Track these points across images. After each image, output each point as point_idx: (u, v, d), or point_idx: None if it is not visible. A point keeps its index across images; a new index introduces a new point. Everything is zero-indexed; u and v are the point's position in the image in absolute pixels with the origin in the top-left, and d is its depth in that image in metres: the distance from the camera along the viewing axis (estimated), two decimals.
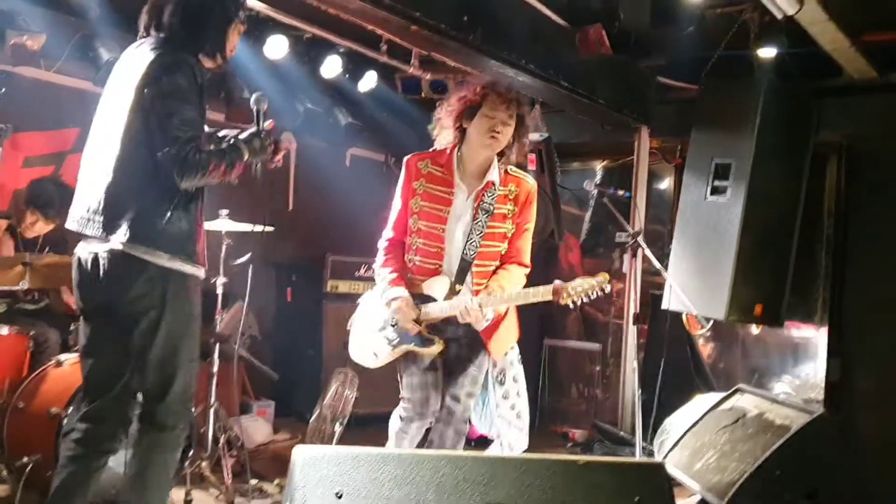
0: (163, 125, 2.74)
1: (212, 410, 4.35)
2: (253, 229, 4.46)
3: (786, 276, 5.18)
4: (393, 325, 3.43)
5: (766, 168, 4.91)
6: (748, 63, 4.92)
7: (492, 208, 3.38)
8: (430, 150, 3.55)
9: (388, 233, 3.56)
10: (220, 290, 4.64)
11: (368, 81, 5.98)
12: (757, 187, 4.87)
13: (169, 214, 2.81)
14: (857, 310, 5.48)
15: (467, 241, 3.37)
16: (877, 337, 5.38)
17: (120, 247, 2.78)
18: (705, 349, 6.41)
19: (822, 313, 5.65)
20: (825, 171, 5.64)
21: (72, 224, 2.95)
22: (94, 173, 2.89)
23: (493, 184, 3.40)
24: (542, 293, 3.21)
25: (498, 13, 4.53)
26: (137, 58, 2.90)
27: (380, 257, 3.54)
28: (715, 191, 4.99)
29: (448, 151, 3.47)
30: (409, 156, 3.54)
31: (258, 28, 5.20)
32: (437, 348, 3.37)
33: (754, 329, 6.24)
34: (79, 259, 2.94)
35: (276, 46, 5.34)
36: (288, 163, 6.65)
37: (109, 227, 2.80)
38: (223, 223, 4.65)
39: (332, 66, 5.70)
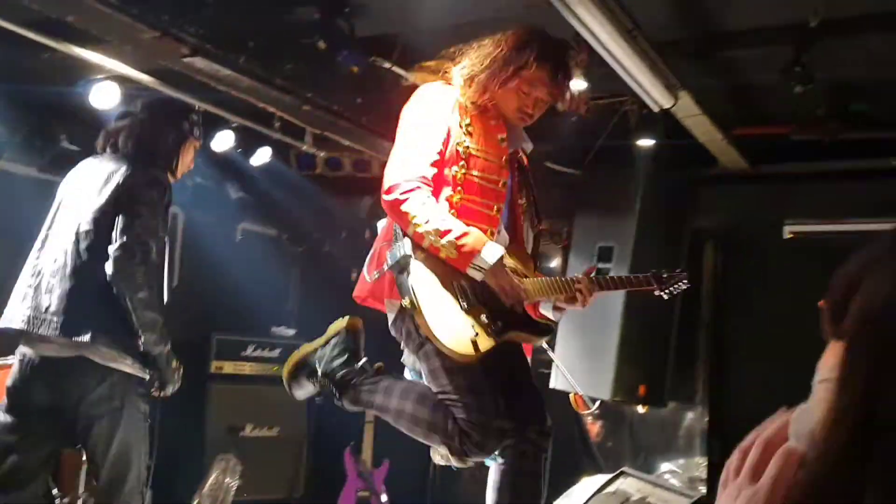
0: (126, 226, 2.93)
1: (80, 502, 4.09)
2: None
3: (667, 357, 5.35)
4: (491, 304, 2.64)
5: (647, 252, 5.09)
6: (629, 152, 5.14)
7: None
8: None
9: (423, 167, 2.58)
10: None
11: (262, 156, 5.95)
12: (638, 270, 5.02)
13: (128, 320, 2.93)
14: (736, 391, 5.68)
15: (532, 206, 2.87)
16: (756, 418, 5.54)
17: (82, 350, 2.88)
18: (594, 428, 6.49)
19: (702, 394, 5.83)
20: (703, 255, 5.90)
21: (16, 323, 2.97)
22: (49, 275, 2.98)
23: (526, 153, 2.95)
24: (643, 281, 2.91)
25: (391, 96, 4.61)
26: (103, 169, 3.12)
27: (423, 197, 2.55)
28: (599, 273, 5.12)
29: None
30: (437, 83, 2.81)
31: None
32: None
33: (640, 408, 6.37)
34: (23, 357, 3.00)
35: None
36: (174, 238, 6.48)
37: (69, 330, 2.86)
38: None
39: (224, 141, 5.64)
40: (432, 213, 2.53)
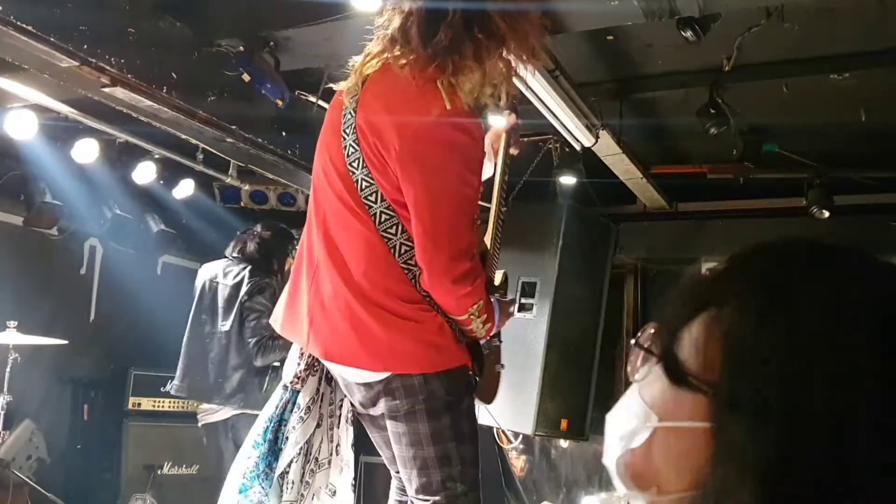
0: (250, 327, 4.55)
1: None
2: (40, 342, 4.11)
3: (589, 391, 5.42)
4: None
5: (569, 287, 5.18)
6: (552, 188, 5.24)
7: None
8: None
9: (472, 249, 2.26)
10: (1, 410, 4.23)
11: (185, 189, 5.86)
12: (561, 305, 5.11)
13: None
14: None
15: None
16: None
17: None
18: (518, 462, 6.50)
19: None
20: (623, 290, 6.03)
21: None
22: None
23: None
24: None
25: (315, 130, 4.59)
26: (231, 276, 4.80)
27: (478, 291, 2.25)
28: (522, 308, 5.18)
29: None
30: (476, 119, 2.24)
31: (66, 131, 5.02)
32: None
33: (563, 443, 6.42)
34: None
35: (86, 150, 5.15)
36: (92, 270, 6.31)
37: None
38: (10, 335, 4.30)
39: (145, 172, 5.54)
40: (485, 303, 2.28)
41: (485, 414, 5.06)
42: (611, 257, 5.63)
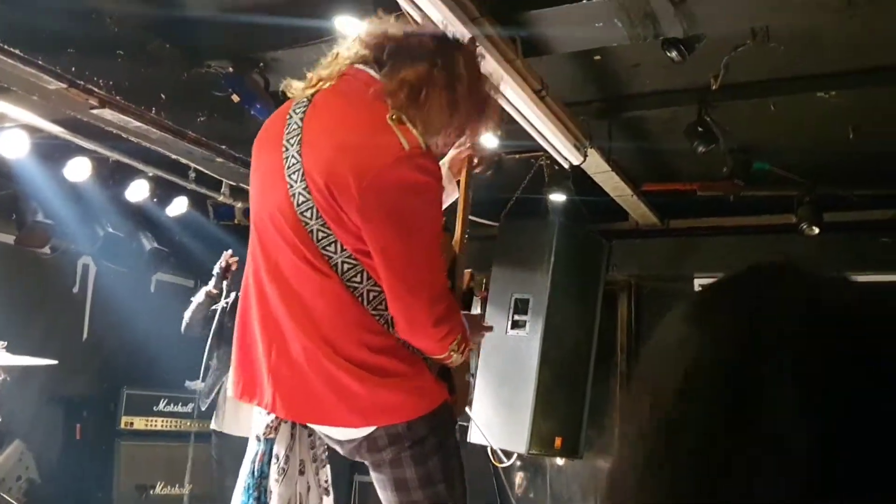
0: None
1: None
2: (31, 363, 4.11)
3: (582, 409, 5.40)
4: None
5: (561, 304, 5.17)
6: (544, 205, 5.25)
7: None
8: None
9: (446, 289, 2.18)
10: None
11: (178, 207, 5.87)
12: (553, 322, 5.11)
13: None
14: None
15: None
16: None
17: None
18: (516, 479, 6.48)
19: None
20: (617, 307, 6.03)
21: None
22: None
23: None
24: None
25: None
26: None
27: (456, 328, 2.15)
28: (515, 325, 5.18)
29: None
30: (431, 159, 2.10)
31: (58, 150, 5.03)
32: None
33: (559, 460, 6.40)
34: None
35: (78, 169, 5.16)
36: (85, 289, 6.31)
37: None
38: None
39: (138, 191, 5.55)
40: (463, 335, 2.17)
41: (477, 433, 5.07)
42: (604, 274, 5.63)
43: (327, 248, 2.05)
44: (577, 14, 3.23)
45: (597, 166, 4.55)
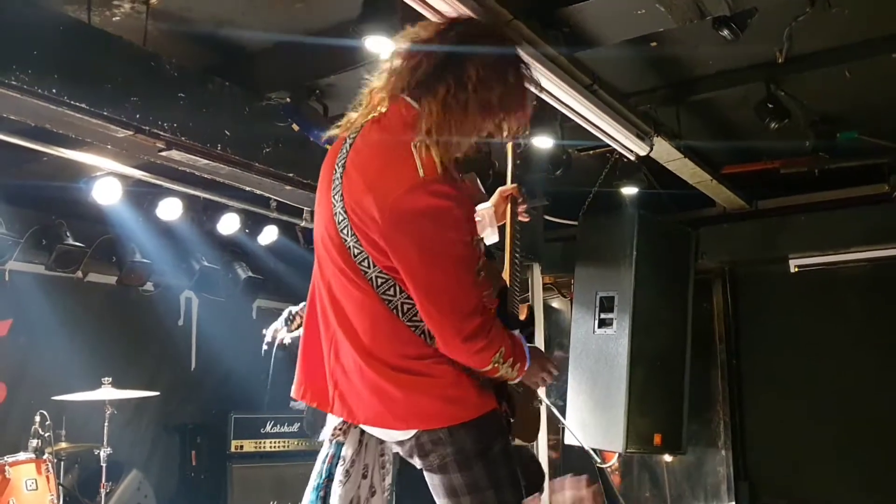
0: None
1: None
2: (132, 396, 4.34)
3: (682, 403, 5.26)
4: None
5: (648, 298, 5.06)
6: (622, 199, 5.16)
7: None
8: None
9: (479, 304, 2.17)
10: (104, 462, 4.46)
11: (269, 236, 6.07)
12: (641, 317, 5.00)
13: None
14: (758, 429, 5.57)
15: None
16: (782, 457, 5.45)
17: None
18: (623, 479, 6.38)
19: (725, 437, 5.71)
20: (711, 296, 5.84)
21: None
22: None
23: None
24: None
25: None
26: None
27: (496, 341, 2.19)
28: (602, 323, 5.10)
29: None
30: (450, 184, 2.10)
31: (149, 193, 5.29)
32: None
33: (666, 457, 6.24)
34: None
35: (170, 209, 5.41)
36: (189, 321, 6.60)
37: None
38: (106, 392, 4.54)
39: (228, 224, 5.77)
40: (507, 347, 2.21)
41: (569, 436, 5.01)
42: (692, 264, 5.47)
43: (362, 263, 2.16)
44: (617, 4, 3.17)
45: (668, 154, 4.44)
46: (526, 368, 2.30)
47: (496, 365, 2.19)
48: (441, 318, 2.12)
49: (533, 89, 2.25)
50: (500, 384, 2.32)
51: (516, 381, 2.33)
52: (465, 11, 2.83)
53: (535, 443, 2.41)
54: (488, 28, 2.40)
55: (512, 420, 2.36)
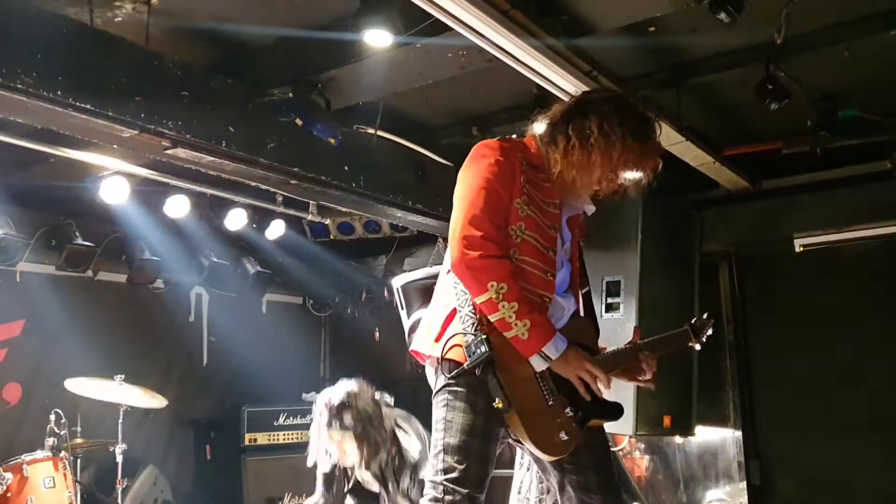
0: None
1: None
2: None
3: (691, 384, 5.28)
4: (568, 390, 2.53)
5: (654, 281, 5.06)
6: None
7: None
8: (506, 136, 2.65)
9: (485, 224, 2.38)
10: (119, 459, 4.52)
11: (276, 230, 6.12)
12: (648, 301, 5.01)
13: None
14: (768, 409, 5.59)
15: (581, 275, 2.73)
16: (793, 436, 5.47)
17: None
18: (637, 462, 6.41)
19: (734, 417, 5.73)
20: (718, 278, 5.85)
21: None
22: None
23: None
24: (682, 337, 2.94)
25: (378, 159, 4.72)
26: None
27: (505, 265, 2.38)
28: (609, 308, 5.12)
29: (535, 150, 2.59)
30: (496, 139, 2.58)
31: (157, 191, 5.34)
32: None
33: (678, 438, 6.27)
34: None
35: (177, 206, 5.46)
36: (200, 317, 6.66)
37: None
38: (119, 395, 4.60)
39: (236, 220, 5.82)
40: (512, 287, 2.33)
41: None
42: (697, 246, 5.49)
43: None
44: None
45: (669, 138, 4.44)
46: (541, 338, 2.38)
47: (494, 298, 2.32)
48: (455, 218, 2.43)
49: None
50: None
51: (530, 353, 2.39)
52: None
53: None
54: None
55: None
